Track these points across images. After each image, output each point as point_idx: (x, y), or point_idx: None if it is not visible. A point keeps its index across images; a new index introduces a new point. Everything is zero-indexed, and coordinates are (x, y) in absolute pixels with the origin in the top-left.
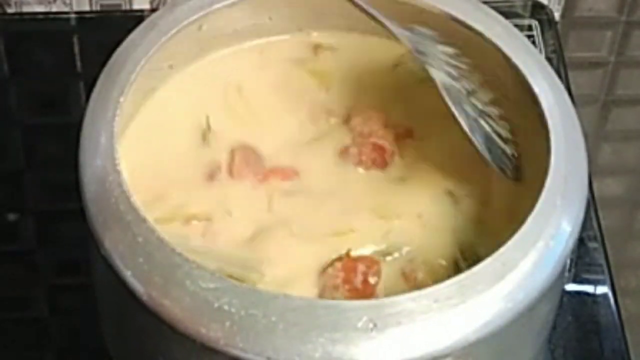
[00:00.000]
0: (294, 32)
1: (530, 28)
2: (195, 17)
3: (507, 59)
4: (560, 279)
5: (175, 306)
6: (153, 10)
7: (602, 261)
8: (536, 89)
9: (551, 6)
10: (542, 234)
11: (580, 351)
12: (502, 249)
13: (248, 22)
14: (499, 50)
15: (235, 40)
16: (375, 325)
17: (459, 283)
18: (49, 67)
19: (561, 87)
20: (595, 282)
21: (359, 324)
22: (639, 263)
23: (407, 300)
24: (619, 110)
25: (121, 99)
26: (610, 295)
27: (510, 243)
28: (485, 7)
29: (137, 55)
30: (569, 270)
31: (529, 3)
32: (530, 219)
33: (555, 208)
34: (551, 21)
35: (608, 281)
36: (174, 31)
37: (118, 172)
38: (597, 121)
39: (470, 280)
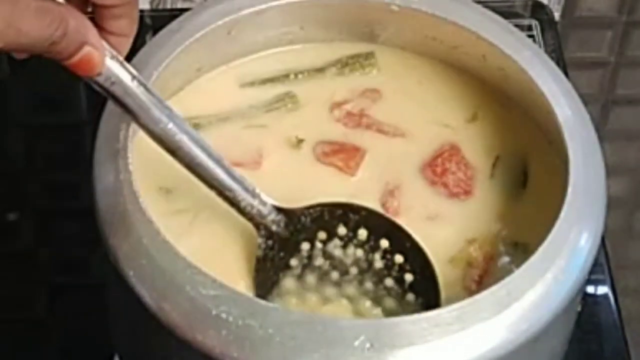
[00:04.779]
0: (326, 42)
1: (530, 28)
2: (222, 21)
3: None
4: (568, 313)
5: (173, 310)
6: (153, 10)
7: (602, 261)
8: (560, 118)
9: (551, 6)
10: (551, 266)
11: (580, 351)
12: (508, 278)
13: (278, 29)
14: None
15: (265, 47)
16: (372, 345)
17: (462, 309)
18: (49, 67)
19: (587, 117)
20: (595, 282)
21: (356, 343)
22: (639, 263)
23: (407, 323)
24: (619, 110)
25: None
26: (610, 295)
27: (517, 272)
28: (517, 31)
29: (160, 56)
30: (582, 304)
31: (529, 3)
32: (540, 250)
33: (569, 240)
34: (551, 21)
35: (608, 281)
36: (199, 34)
37: (129, 172)
38: (598, 121)
39: (473, 307)
